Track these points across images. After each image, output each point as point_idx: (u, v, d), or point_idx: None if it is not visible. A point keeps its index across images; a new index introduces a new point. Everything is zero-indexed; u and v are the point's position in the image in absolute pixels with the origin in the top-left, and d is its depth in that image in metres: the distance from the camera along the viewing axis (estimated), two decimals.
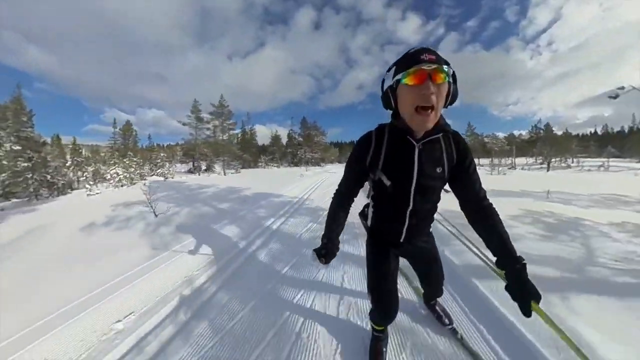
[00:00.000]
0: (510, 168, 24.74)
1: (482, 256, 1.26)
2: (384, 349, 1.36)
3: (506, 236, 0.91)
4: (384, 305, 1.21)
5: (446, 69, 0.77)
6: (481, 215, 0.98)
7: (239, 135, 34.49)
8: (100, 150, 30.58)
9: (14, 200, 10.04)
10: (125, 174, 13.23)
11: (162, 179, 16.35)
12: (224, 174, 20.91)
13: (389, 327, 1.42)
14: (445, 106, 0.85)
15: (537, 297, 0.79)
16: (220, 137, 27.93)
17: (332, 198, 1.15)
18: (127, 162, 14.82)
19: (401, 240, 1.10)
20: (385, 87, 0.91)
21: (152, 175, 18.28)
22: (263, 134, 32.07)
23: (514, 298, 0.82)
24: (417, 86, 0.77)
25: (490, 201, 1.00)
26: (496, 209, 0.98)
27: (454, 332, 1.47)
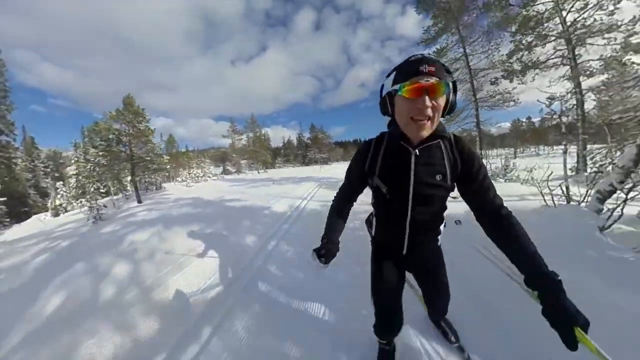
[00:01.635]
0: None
1: (508, 271, 1.17)
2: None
3: (533, 249, 0.78)
4: (384, 319, 1.17)
5: (445, 82, 0.75)
6: (500, 227, 0.87)
7: (251, 138, 40.11)
8: None
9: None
10: (201, 173, 19.79)
11: (217, 177, 22.83)
12: (258, 173, 27.31)
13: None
14: (442, 115, 0.83)
15: (583, 323, 0.62)
16: (249, 145, 34.42)
17: (333, 201, 1.16)
18: (201, 165, 21.42)
19: (404, 252, 1.07)
20: (384, 92, 0.88)
21: (207, 175, 24.80)
22: (270, 136, 37.52)
23: (553, 325, 0.66)
24: (415, 98, 0.76)
25: (509, 210, 0.89)
26: (517, 218, 0.86)
27: (460, 350, 1.36)
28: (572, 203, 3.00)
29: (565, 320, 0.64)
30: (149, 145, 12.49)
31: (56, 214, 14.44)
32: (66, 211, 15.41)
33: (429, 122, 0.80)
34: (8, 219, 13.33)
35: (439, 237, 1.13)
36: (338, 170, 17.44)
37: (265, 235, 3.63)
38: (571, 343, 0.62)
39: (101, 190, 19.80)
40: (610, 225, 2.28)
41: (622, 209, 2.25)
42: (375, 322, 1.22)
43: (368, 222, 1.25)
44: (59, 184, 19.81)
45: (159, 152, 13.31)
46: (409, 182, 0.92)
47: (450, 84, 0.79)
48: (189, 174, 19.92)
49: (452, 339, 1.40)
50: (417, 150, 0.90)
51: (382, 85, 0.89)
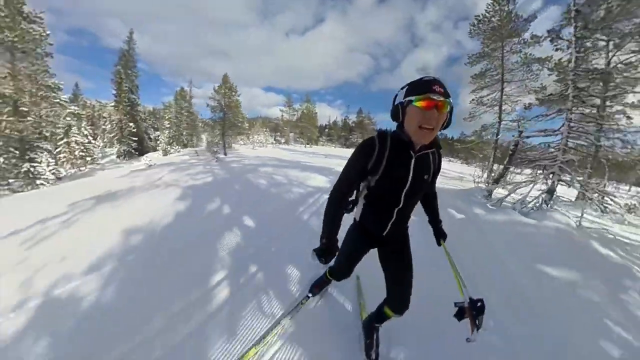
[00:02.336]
0: None
1: (454, 271, 1.29)
2: (327, 287, 1.92)
3: (437, 208, 1.51)
4: (342, 275, 1.57)
5: (449, 102, 0.94)
6: (431, 200, 1.48)
7: (302, 113, 42.79)
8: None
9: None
10: (264, 140, 23.94)
11: (273, 145, 26.91)
12: (305, 147, 30.86)
13: None
14: (439, 130, 1.01)
15: (444, 237, 1.49)
16: (299, 119, 37.98)
17: (329, 198, 1.19)
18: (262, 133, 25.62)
19: (384, 234, 1.25)
20: (397, 101, 1.03)
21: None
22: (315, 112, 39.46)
23: (435, 237, 1.50)
24: (425, 111, 0.93)
25: (436, 192, 1.47)
26: (437, 197, 1.50)
27: None
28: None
29: (438, 235, 1.50)
30: (240, 115, 16.42)
31: (165, 154, 19.80)
32: (168, 153, 20.78)
33: (432, 132, 0.97)
34: (137, 153, 18.90)
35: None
36: None
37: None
38: (438, 244, 1.49)
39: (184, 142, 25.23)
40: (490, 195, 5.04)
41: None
42: (333, 269, 1.65)
43: (348, 209, 1.27)
44: (158, 133, 25.74)
45: (244, 119, 17.31)
46: (407, 181, 1.09)
47: (452, 104, 0.97)
48: (252, 139, 24.18)
49: (373, 355, 1.41)
50: (416, 155, 1.07)
51: (396, 95, 1.04)
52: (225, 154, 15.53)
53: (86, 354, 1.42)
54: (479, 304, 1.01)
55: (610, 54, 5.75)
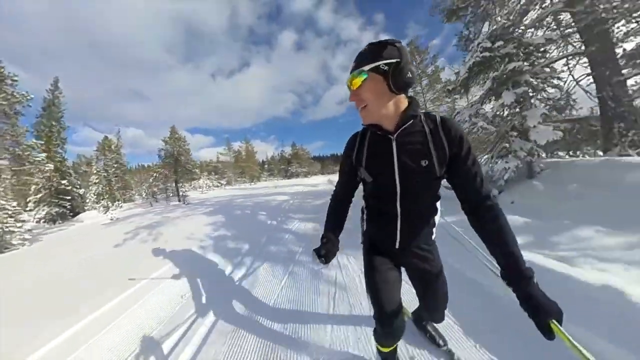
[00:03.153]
0: None
1: (487, 262, 1.14)
2: None
3: (512, 243, 0.78)
4: (384, 318, 1.05)
5: (360, 72, 0.81)
6: (483, 217, 0.84)
7: (240, 153, 44.24)
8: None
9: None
10: (210, 183, 25.09)
11: (220, 187, 28.01)
12: (250, 185, 32.73)
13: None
14: (395, 90, 0.82)
15: (557, 315, 0.67)
16: (239, 159, 39.87)
17: (330, 200, 1.16)
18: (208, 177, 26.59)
19: (397, 247, 1.04)
20: None
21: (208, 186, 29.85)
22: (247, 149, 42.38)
23: (530, 317, 0.70)
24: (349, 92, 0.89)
25: (496, 201, 0.85)
26: (502, 210, 0.84)
27: (449, 354, 1.36)
28: None
29: (538, 314, 0.67)
30: (191, 162, 17.96)
31: (105, 211, 18.90)
32: (109, 210, 19.80)
33: (365, 109, 0.87)
34: (71, 214, 17.70)
35: (434, 229, 1.09)
36: (319, 180, 23.76)
37: (285, 203, 9.88)
38: (547, 334, 0.66)
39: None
40: None
41: None
42: (375, 326, 1.11)
43: (361, 218, 1.22)
44: (83, 190, 23.77)
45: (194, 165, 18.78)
46: (393, 170, 0.90)
47: (381, 63, 0.79)
48: (199, 184, 25.08)
49: (440, 342, 1.38)
50: (396, 136, 0.88)
51: None
52: (184, 200, 16.54)
53: (249, 235, 4.10)
54: None
55: None
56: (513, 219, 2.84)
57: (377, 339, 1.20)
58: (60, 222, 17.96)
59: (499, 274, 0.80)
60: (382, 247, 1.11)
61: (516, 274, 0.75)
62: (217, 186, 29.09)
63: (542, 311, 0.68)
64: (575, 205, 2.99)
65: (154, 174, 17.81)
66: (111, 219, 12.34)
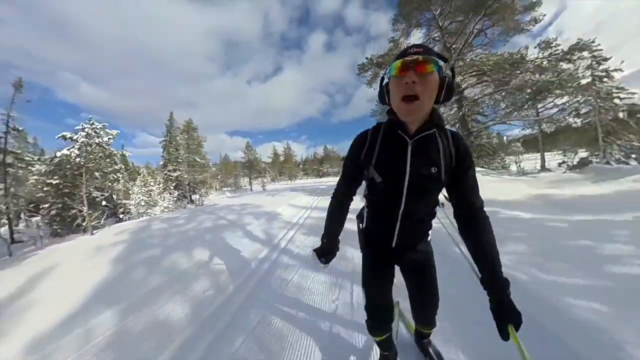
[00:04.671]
0: None
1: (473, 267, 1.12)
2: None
3: (494, 255, 0.87)
4: (374, 312, 1.16)
5: (433, 59, 0.77)
6: (472, 227, 0.93)
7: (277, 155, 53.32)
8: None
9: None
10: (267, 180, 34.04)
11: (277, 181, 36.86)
12: (292, 182, 41.13)
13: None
14: (440, 101, 0.85)
15: (516, 322, 0.78)
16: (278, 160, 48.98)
17: (331, 199, 1.15)
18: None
19: (393, 245, 1.06)
20: (383, 83, 0.94)
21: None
22: (281, 150, 51.66)
23: (494, 318, 0.81)
24: (401, 76, 0.79)
25: (487, 214, 0.94)
26: (490, 223, 0.92)
27: None
28: None
29: (503, 318, 0.79)
30: (259, 164, 26.67)
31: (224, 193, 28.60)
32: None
33: (418, 102, 0.79)
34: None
35: (430, 232, 1.14)
36: None
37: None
38: (504, 335, 0.77)
39: None
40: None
41: None
42: (366, 318, 1.19)
43: (360, 216, 1.24)
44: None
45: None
46: (404, 172, 0.91)
47: (443, 65, 0.81)
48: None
49: None
50: (413, 141, 0.90)
51: (382, 78, 0.93)
52: (264, 188, 24.72)
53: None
54: None
55: None
56: None
57: (368, 329, 1.21)
58: (198, 204, 27.98)
59: (479, 279, 0.89)
60: (378, 245, 1.13)
61: (493, 282, 0.85)
62: (269, 182, 38.00)
63: (505, 317, 0.79)
64: None
65: (236, 173, 26.37)
66: (227, 197, 20.97)
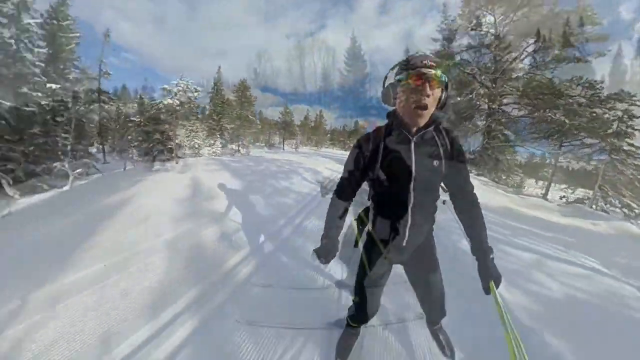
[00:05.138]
0: None
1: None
2: (353, 346, 1.38)
3: (483, 228, 1.07)
4: (363, 311, 1.25)
5: (442, 76, 0.88)
6: (466, 206, 1.12)
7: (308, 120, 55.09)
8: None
9: None
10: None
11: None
12: (317, 148, 43.51)
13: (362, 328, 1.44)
14: (437, 109, 0.96)
15: (497, 280, 1.01)
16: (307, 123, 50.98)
17: (332, 198, 1.18)
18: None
19: (404, 244, 1.09)
20: (386, 84, 1.01)
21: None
22: (311, 116, 52.68)
23: (480, 277, 1.03)
24: (416, 88, 0.88)
25: (477, 197, 1.12)
26: (479, 205, 1.11)
27: None
28: None
29: (485, 277, 1.02)
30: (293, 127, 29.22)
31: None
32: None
33: (426, 111, 0.92)
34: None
35: (433, 226, 1.21)
36: None
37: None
38: (486, 290, 1.00)
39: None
40: None
41: None
42: (353, 311, 1.31)
43: (360, 218, 1.25)
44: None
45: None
46: (411, 168, 0.98)
47: (445, 79, 0.90)
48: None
49: (447, 352, 1.41)
50: (415, 138, 0.99)
51: (386, 77, 1.00)
52: (296, 149, 27.48)
53: None
54: None
55: None
56: None
57: (350, 317, 1.34)
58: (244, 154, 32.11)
59: (470, 247, 1.08)
60: (387, 244, 1.13)
61: (480, 250, 1.05)
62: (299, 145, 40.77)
63: (487, 275, 1.01)
64: None
65: (270, 131, 28.89)
66: (266, 151, 24.05)
